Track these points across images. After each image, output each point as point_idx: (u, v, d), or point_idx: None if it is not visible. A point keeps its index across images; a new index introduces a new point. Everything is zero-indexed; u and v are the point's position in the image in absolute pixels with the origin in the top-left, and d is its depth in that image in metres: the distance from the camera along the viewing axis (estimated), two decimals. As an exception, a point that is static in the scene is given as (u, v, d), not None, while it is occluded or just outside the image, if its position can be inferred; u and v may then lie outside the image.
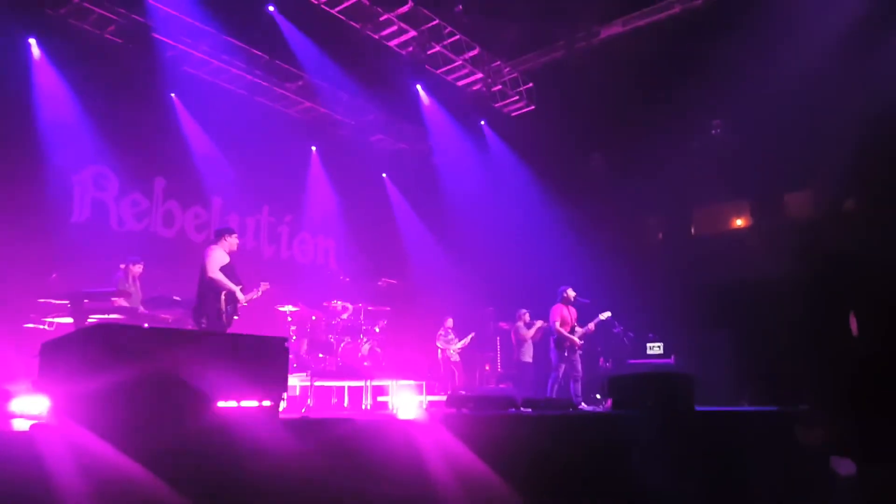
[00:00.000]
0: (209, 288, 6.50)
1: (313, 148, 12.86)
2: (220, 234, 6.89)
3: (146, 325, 6.71)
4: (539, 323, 10.19)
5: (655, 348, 10.42)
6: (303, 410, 7.12)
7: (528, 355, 10.31)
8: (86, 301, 6.50)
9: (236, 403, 3.38)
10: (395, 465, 3.25)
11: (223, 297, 6.50)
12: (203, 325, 6.41)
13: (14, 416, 3.31)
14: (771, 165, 9.76)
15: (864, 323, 3.09)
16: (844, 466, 2.45)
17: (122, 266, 7.75)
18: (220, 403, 3.22)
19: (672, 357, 10.21)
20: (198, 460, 2.70)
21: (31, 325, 6.70)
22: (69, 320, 6.56)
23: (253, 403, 3.41)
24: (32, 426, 2.71)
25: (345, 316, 9.36)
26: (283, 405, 3.55)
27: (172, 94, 10.63)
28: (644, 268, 11.25)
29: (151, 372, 2.91)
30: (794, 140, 9.00)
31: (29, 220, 8.39)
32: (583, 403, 8.13)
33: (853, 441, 2.51)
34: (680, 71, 9.71)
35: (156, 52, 9.85)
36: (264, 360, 3.49)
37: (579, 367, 8.75)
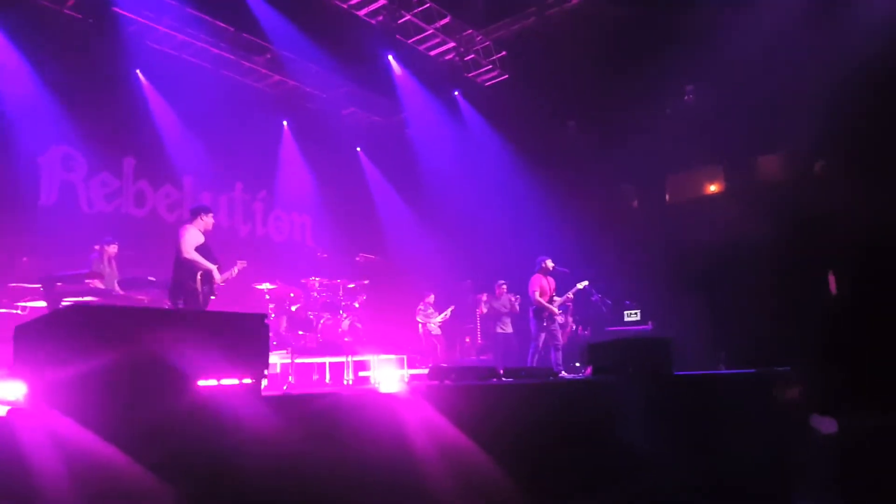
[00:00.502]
0: (184, 268, 6.40)
1: (284, 123, 12.65)
2: (195, 213, 6.76)
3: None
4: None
5: (633, 315, 10.56)
6: (284, 387, 7.11)
7: (507, 326, 10.39)
8: (59, 284, 6.39)
9: (216, 382, 3.35)
10: (379, 439, 3.26)
11: (199, 276, 6.41)
12: (180, 306, 6.33)
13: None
14: (743, 129, 9.83)
15: (839, 281, 3.15)
16: (826, 425, 2.52)
17: (97, 247, 7.62)
18: (201, 382, 3.19)
19: (650, 323, 10.37)
20: (180, 440, 2.67)
21: (3, 311, 6.57)
22: (42, 304, 6.45)
23: (234, 381, 3.38)
24: (9, 411, 2.66)
25: (320, 294, 9.32)
26: (264, 382, 3.53)
27: (137, 71, 10.35)
28: (620, 235, 11.36)
29: (129, 352, 2.86)
30: (766, 103, 9.06)
31: (-5, 205, 8.19)
32: (563, 371, 8.23)
33: (834, 395, 2.57)
34: (652, 36, 9.67)
35: (118, 27, 9.54)
36: (244, 337, 3.45)
37: (559, 335, 8.85)
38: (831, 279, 3.20)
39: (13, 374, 3.35)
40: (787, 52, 8.57)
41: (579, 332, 10.68)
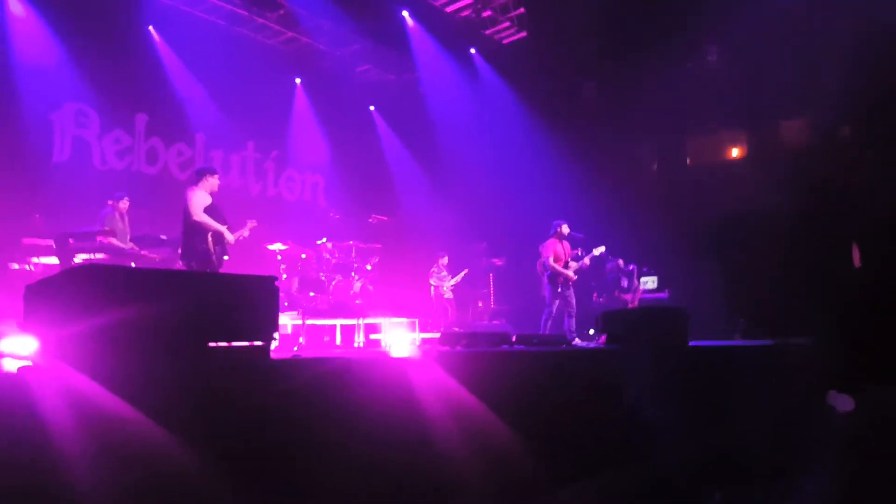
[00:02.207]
0: (194, 231, 6.36)
1: (297, 80, 12.47)
2: (200, 174, 6.70)
3: (133, 264, 6.63)
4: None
5: (650, 282, 10.44)
6: (295, 349, 7.14)
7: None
8: (71, 241, 6.40)
9: (226, 343, 3.34)
10: (389, 403, 3.24)
11: (210, 237, 6.38)
12: (193, 268, 6.33)
13: (2, 356, 3.26)
14: (767, 93, 9.55)
15: (863, 253, 3.05)
16: (843, 402, 2.45)
17: (110, 202, 7.60)
18: (211, 343, 3.18)
19: (666, 291, 10.25)
20: (190, 400, 2.67)
21: (16, 266, 6.61)
22: (55, 261, 6.47)
23: (243, 344, 3.37)
24: (21, 367, 2.67)
25: (332, 255, 9.30)
26: (274, 344, 3.52)
27: (150, 27, 10.19)
28: (638, 199, 11.16)
29: (140, 313, 2.84)
30: (791, 67, 8.78)
31: (8, 161, 8.18)
32: (576, 339, 8.19)
33: (853, 371, 2.50)
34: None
35: (130, -19, 9.41)
36: (254, 299, 3.43)
37: (573, 302, 8.76)
38: (855, 251, 3.08)
39: (25, 329, 3.36)
40: (815, 15, 8.25)
41: (594, 298, 10.57)
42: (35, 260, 6.57)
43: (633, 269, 10.09)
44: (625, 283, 10.28)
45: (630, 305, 9.97)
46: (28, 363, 2.85)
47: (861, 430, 2.47)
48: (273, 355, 3.42)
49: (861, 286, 2.92)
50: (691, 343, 5.19)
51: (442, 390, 3.39)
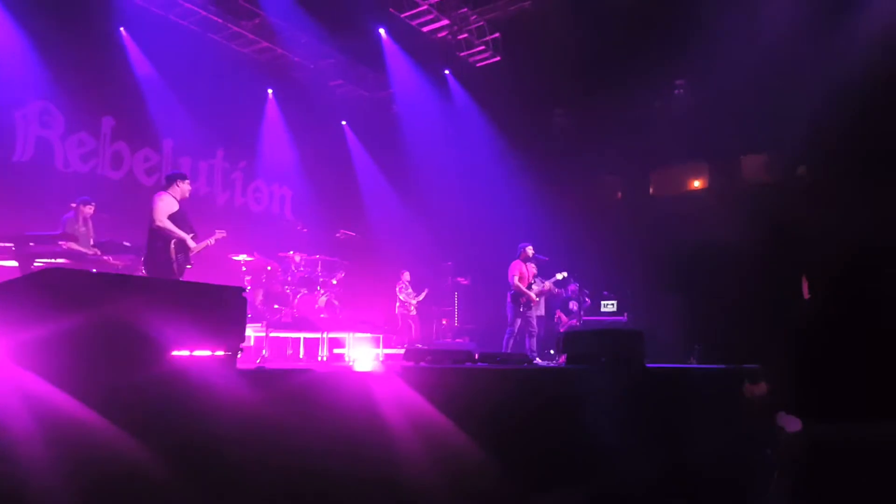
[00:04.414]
0: (158, 236, 6.28)
1: (269, 91, 12.44)
2: (171, 180, 6.63)
3: (94, 270, 6.50)
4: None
5: (609, 306, 10.67)
6: (258, 361, 7.07)
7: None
8: (31, 244, 6.24)
9: (189, 353, 3.32)
10: (354, 416, 3.26)
11: (173, 245, 6.29)
12: (153, 275, 6.23)
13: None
14: (730, 128, 9.90)
15: (813, 286, 3.21)
16: (791, 423, 2.58)
17: (73, 205, 7.45)
18: (175, 352, 3.16)
19: (625, 314, 10.49)
20: (152, 407, 2.65)
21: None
22: (14, 263, 6.30)
23: (207, 353, 3.35)
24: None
25: (298, 268, 9.26)
26: (238, 355, 3.50)
27: (122, 28, 10.08)
28: (602, 226, 11.42)
29: (104, 318, 2.82)
30: (755, 103, 9.13)
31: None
32: (538, 359, 8.30)
33: (801, 398, 2.63)
34: (647, 27, 9.66)
35: (103, -19, 9.31)
36: (222, 309, 3.42)
37: (535, 322, 8.90)
38: (804, 283, 3.27)
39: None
40: (780, 54, 8.62)
41: (563, 321, 10.77)
42: (-8, 262, 6.39)
43: (580, 296, 10.34)
44: (574, 306, 10.54)
45: (561, 328, 10.23)
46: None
47: (807, 451, 2.60)
48: (237, 367, 3.41)
49: (809, 316, 3.09)
50: (648, 365, 5.34)
51: (405, 404, 3.42)
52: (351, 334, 8.72)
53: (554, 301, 10.51)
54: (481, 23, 11.75)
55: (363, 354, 7.88)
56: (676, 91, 11.00)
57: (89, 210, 7.50)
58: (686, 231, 9.89)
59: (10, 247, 6.13)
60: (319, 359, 8.20)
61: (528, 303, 8.82)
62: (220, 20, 10.87)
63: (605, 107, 10.88)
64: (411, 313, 11.17)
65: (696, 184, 11.69)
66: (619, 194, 12.62)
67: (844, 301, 2.95)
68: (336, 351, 8.73)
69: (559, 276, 9.22)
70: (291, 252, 9.35)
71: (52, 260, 6.31)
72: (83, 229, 7.30)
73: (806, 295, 3.12)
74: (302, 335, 8.64)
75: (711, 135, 10.24)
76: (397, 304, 11.15)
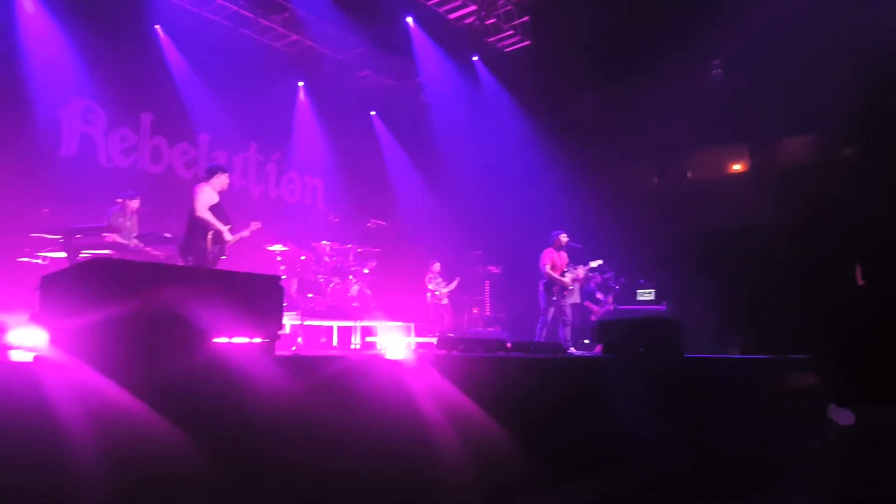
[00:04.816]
0: (196, 226, 6.41)
1: (300, 83, 12.55)
2: (211, 172, 6.76)
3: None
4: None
5: (647, 294, 10.46)
6: (293, 348, 7.19)
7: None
8: (77, 236, 6.46)
9: (228, 339, 3.38)
10: (386, 404, 3.29)
11: (210, 236, 6.42)
12: (189, 264, 6.37)
13: (12, 347, 3.30)
14: (770, 108, 9.55)
15: (865, 271, 3.10)
16: (843, 416, 2.48)
17: (119, 200, 7.66)
18: (216, 339, 3.23)
19: (664, 304, 10.26)
20: (195, 393, 2.71)
21: (25, 259, 6.67)
22: (62, 255, 6.53)
23: (246, 340, 3.42)
24: (35, 357, 2.72)
25: (330, 258, 9.34)
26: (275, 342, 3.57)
27: (157, 26, 10.28)
28: (638, 212, 11.15)
29: (149, 306, 2.89)
30: (795, 83, 8.78)
31: (17, 154, 8.27)
32: (572, 348, 8.23)
33: (854, 387, 2.54)
34: (680, 3, 9.40)
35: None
36: (260, 297, 3.48)
37: (568, 311, 8.81)
38: (857, 269, 3.14)
39: (36, 321, 3.40)
40: (821, 32, 8.29)
41: (593, 309, 10.64)
42: (43, 254, 6.62)
43: (606, 284, 10.19)
44: (600, 295, 10.40)
45: (592, 318, 10.10)
46: (40, 353, 2.89)
47: (857, 444, 2.52)
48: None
49: (861, 303, 2.99)
50: (687, 355, 5.23)
51: (437, 392, 3.43)
52: (383, 322, 8.79)
53: (590, 289, 10.42)
54: (509, 7, 11.58)
55: (395, 343, 7.94)
56: (714, 70, 10.65)
57: (135, 204, 7.71)
58: (726, 216, 9.59)
59: (59, 239, 6.36)
60: (352, 346, 8.30)
61: (562, 291, 8.73)
62: (250, 15, 10.99)
63: (638, 88, 10.57)
64: (443, 302, 11.19)
65: (737, 167, 11.32)
66: (656, 179, 12.32)
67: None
68: (368, 339, 8.81)
69: (593, 264, 9.09)
70: (324, 242, 9.45)
71: (97, 251, 6.51)
72: (127, 223, 7.52)
73: (860, 281, 3.01)
74: (335, 323, 8.75)
75: (751, 115, 9.85)
76: (428, 293, 11.19)
